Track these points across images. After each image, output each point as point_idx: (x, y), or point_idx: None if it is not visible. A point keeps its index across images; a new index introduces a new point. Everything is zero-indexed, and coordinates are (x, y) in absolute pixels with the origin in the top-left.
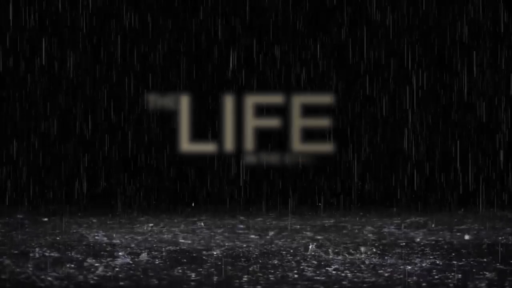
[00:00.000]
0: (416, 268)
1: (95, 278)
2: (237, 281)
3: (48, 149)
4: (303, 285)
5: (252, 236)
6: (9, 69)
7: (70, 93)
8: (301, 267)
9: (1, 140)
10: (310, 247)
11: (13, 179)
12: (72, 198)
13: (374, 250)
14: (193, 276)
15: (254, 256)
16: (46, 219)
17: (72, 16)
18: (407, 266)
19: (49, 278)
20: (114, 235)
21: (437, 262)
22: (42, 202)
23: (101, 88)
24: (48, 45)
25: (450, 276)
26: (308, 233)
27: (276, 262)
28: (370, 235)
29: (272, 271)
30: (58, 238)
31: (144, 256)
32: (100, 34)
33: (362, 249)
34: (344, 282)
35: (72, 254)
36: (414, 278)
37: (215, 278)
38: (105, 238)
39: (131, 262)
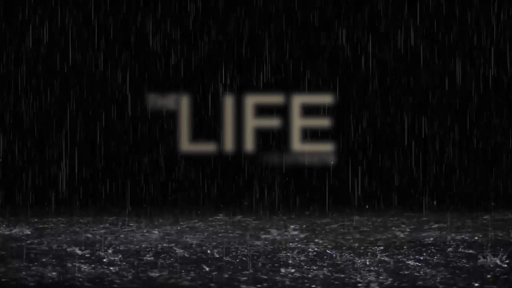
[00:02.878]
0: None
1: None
2: (237, 281)
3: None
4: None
5: (260, 235)
6: None
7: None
8: (313, 267)
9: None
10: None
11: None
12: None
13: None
14: (194, 275)
15: (257, 256)
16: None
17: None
18: None
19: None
20: (113, 234)
21: None
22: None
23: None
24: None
25: None
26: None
27: (282, 262)
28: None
29: (274, 272)
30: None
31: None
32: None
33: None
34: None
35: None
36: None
37: (220, 278)
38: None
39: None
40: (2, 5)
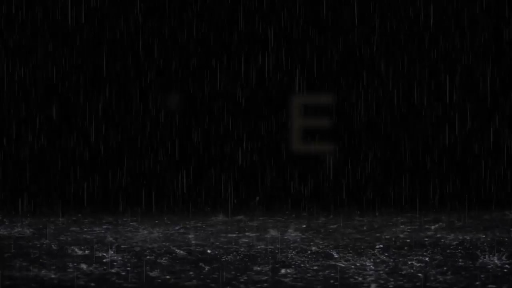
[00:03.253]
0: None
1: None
2: (236, 281)
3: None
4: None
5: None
6: None
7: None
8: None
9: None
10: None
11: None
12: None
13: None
14: (194, 275)
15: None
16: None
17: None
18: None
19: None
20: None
21: None
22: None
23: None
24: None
25: None
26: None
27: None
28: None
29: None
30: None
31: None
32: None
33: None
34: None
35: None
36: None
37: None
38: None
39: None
40: None
